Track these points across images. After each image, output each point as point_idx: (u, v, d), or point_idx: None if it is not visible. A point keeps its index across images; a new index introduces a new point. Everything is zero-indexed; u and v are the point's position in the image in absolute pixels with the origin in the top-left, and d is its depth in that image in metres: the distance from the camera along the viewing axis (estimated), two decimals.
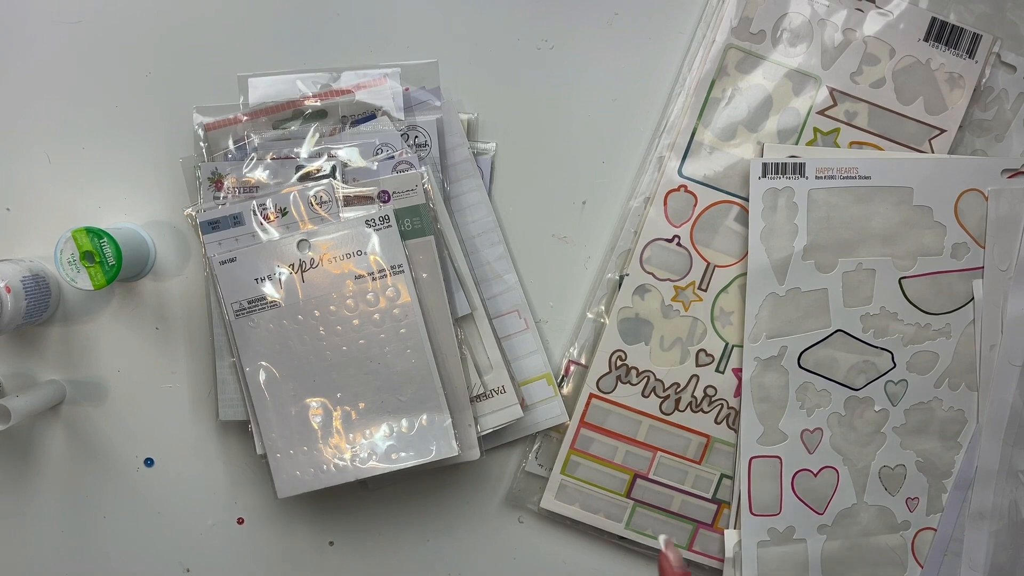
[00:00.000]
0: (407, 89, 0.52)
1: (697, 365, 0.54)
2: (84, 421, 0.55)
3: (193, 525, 0.56)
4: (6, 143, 0.54)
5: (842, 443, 0.54)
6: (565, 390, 0.55)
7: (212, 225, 0.50)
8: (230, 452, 0.56)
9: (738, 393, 0.54)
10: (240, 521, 0.56)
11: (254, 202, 0.49)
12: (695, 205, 0.53)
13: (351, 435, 0.50)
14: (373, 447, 0.50)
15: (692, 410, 0.54)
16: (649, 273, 0.54)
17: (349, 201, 0.50)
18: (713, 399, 0.54)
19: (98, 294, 0.55)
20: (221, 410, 0.53)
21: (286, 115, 0.52)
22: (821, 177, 0.52)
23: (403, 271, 0.50)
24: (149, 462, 0.56)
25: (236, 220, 0.50)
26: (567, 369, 0.55)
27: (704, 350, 0.54)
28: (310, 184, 0.50)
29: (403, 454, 0.50)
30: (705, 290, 0.54)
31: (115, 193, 0.54)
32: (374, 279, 0.50)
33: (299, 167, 0.50)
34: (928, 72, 0.53)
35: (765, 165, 0.52)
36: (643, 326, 0.54)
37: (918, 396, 0.54)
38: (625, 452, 0.54)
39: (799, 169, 0.52)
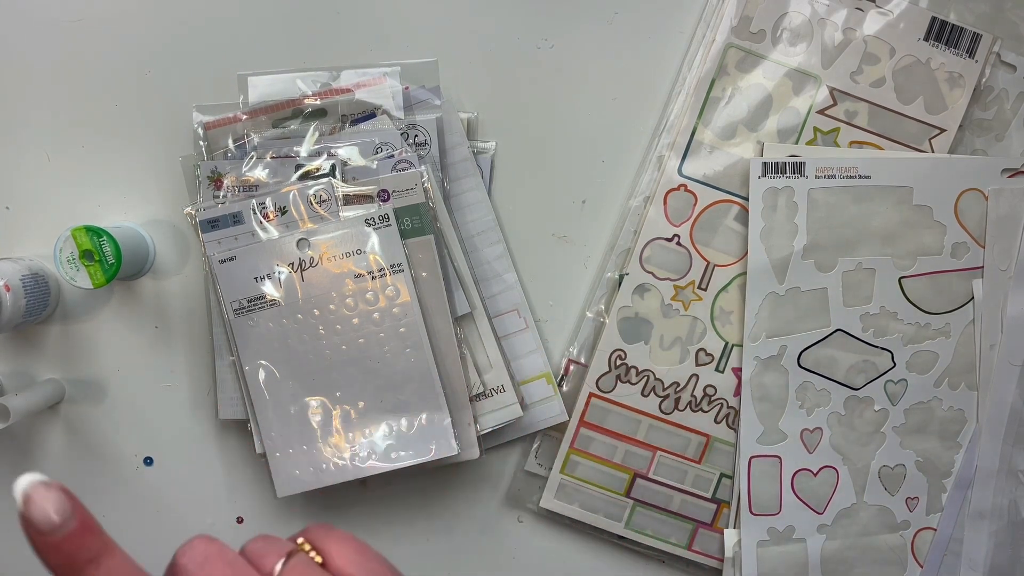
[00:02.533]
0: (407, 88, 0.52)
1: (697, 364, 0.54)
2: (83, 420, 0.55)
3: (192, 524, 0.56)
4: (6, 142, 0.54)
5: (842, 443, 0.54)
6: (565, 389, 0.55)
7: (212, 224, 0.50)
8: (229, 451, 0.56)
9: (738, 392, 0.54)
10: (239, 520, 0.56)
11: (254, 201, 0.49)
12: (695, 204, 0.53)
13: (350, 434, 0.50)
14: (372, 446, 0.50)
15: (692, 409, 0.54)
16: (649, 272, 0.54)
17: (349, 200, 0.50)
18: (713, 398, 0.54)
19: (97, 293, 0.55)
20: (220, 409, 0.53)
21: (286, 114, 0.52)
22: (821, 176, 0.52)
23: (403, 270, 0.50)
24: (148, 461, 0.56)
25: (236, 219, 0.50)
26: (567, 368, 0.55)
27: (704, 349, 0.54)
28: (310, 183, 0.50)
29: (402, 453, 0.50)
30: (705, 289, 0.54)
31: (114, 192, 0.54)
32: (374, 278, 0.49)
33: (299, 166, 0.50)
34: (928, 72, 0.53)
35: (765, 164, 0.52)
36: (643, 325, 0.54)
37: (918, 396, 0.54)
38: (625, 451, 0.54)
39: (799, 168, 0.52)
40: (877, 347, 0.54)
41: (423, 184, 0.50)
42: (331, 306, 0.49)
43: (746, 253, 0.53)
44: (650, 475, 0.55)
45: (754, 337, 0.53)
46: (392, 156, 0.50)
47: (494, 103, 0.54)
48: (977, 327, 0.54)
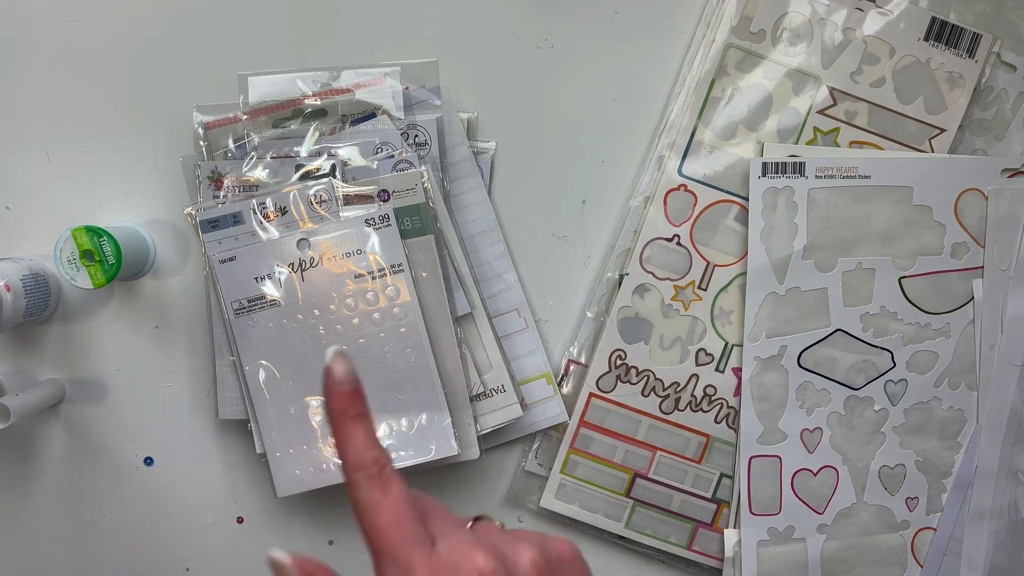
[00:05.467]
0: (407, 88, 0.52)
1: (697, 364, 0.54)
2: (84, 420, 0.55)
3: (193, 524, 0.56)
4: (6, 142, 0.54)
5: (842, 442, 0.54)
6: (565, 389, 0.55)
7: (212, 224, 0.50)
8: (230, 451, 0.56)
9: (738, 392, 0.54)
10: (240, 520, 0.56)
11: (254, 201, 0.49)
12: (695, 204, 0.53)
13: None
14: None
15: (692, 409, 0.54)
16: (649, 272, 0.54)
17: (349, 200, 0.50)
18: (713, 398, 0.54)
19: (98, 293, 0.55)
20: (221, 409, 0.53)
21: (286, 114, 0.52)
22: (821, 176, 0.52)
23: (403, 270, 0.50)
24: (149, 461, 0.56)
25: (236, 219, 0.50)
26: (567, 368, 0.55)
27: (704, 349, 0.54)
28: (310, 183, 0.50)
29: (402, 453, 0.50)
30: (705, 289, 0.54)
31: (115, 192, 0.54)
32: (374, 278, 0.50)
33: (299, 166, 0.50)
34: (928, 72, 0.53)
35: (765, 164, 0.52)
36: (643, 325, 0.54)
37: (918, 396, 0.54)
38: (625, 451, 0.54)
39: (799, 168, 0.52)
40: (877, 347, 0.54)
41: (423, 184, 0.50)
42: (331, 306, 0.49)
43: (746, 253, 0.53)
44: (650, 475, 0.55)
45: (754, 337, 0.53)
46: (392, 156, 0.50)
47: (494, 103, 0.54)
48: (977, 327, 0.54)
